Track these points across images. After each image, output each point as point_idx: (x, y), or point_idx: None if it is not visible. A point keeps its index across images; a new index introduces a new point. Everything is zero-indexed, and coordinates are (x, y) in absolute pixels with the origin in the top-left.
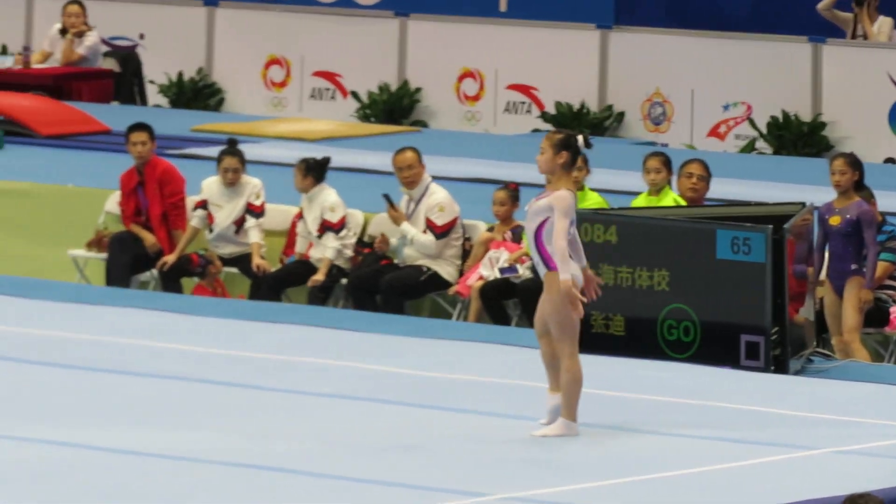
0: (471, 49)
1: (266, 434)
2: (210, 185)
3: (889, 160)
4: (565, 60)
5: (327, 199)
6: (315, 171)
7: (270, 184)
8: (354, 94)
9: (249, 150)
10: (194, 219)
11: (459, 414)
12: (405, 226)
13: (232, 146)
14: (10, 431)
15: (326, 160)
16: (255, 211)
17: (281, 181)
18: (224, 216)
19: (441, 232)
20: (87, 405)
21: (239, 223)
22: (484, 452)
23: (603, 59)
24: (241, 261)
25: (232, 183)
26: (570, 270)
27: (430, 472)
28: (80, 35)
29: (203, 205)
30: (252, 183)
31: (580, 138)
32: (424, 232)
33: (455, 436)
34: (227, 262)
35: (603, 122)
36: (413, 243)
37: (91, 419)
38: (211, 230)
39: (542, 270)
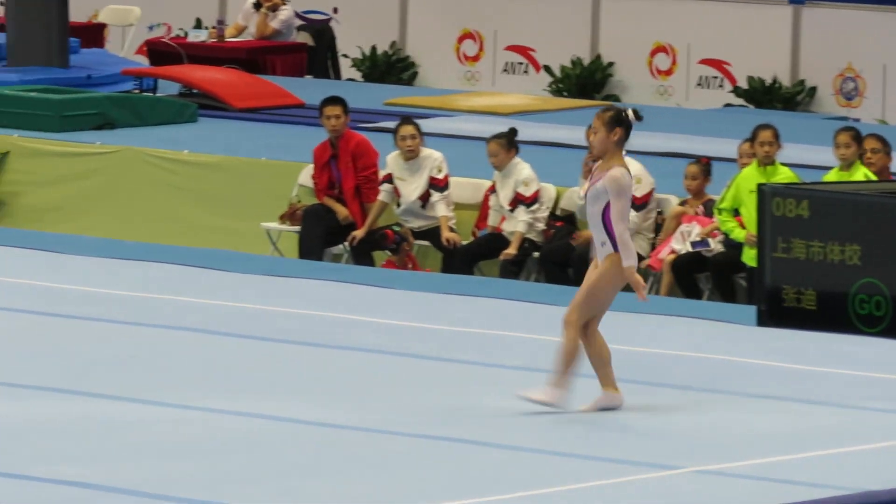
0: (663, 23)
1: (459, 406)
2: (393, 160)
3: None
4: (757, 35)
5: (521, 172)
6: (514, 144)
7: (463, 157)
8: (547, 69)
9: (442, 124)
10: (382, 193)
11: (652, 388)
12: None
13: (406, 119)
14: (204, 403)
15: (514, 131)
16: (439, 185)
17: (473, 155)
18: (409, 191)
19: (640, 203)
20: (279, 377)
21: (424, 198)
22: (673, 425)
23: (795, 34)
24: (431, 234)
25: (412, 152)
26: (633, 256)
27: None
28: (275, 9)
29: (389, 178)
30: (433, 156)
31: (630, 112)
32: None
33: (641, 408)
34: (416, 235)
35: (795, 97)
36: None
37: (283, 390)
38: (398, 204)
39: (604, 252)
